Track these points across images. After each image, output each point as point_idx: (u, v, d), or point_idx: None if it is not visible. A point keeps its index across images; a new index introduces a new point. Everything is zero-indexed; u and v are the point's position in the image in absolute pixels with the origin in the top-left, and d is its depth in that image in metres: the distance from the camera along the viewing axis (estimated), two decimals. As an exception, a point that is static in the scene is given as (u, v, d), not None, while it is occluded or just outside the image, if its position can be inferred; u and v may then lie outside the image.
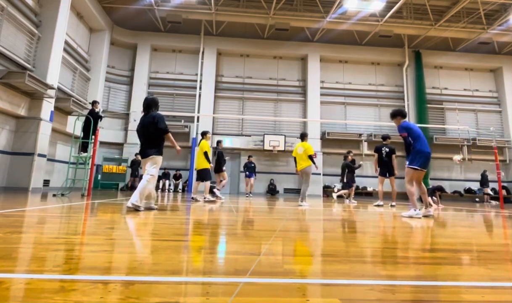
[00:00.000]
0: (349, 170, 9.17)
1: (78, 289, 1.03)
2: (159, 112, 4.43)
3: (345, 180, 9.24)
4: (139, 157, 12.88)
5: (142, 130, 4.30)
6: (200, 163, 7.09)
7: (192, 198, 6.82)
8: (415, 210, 4.49)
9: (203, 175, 7.09)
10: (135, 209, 3.90)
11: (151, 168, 4.16)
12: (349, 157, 9.43)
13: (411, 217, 4.39)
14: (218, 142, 8.74)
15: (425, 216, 4.49)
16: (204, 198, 6.84)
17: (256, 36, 15.53)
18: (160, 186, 13.12)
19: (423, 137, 4.70)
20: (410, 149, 4.68)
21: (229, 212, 4.40)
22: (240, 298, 1.00)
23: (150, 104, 4.40)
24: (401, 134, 4.77)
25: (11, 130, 8.85)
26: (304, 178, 7.01)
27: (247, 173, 11.60)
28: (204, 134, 7.39)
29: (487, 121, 15.60)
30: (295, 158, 7.13)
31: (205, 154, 7.02)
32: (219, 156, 8.00)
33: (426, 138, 4.88)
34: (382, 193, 7.92)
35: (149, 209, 4.12)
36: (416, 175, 4.66)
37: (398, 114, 4.97)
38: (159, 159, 4.25)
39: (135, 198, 3.92)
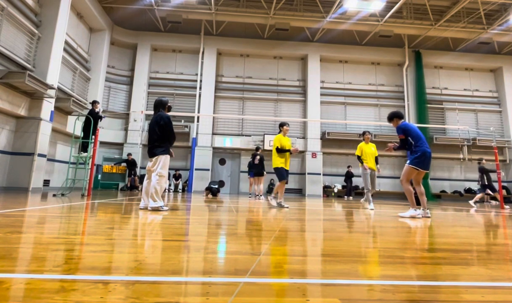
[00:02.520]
0: (485, 173, 9.34)
1: (78, 289, 1.03)
2: (165, 113, 4.44)
3: (482, 183, 9.34)
4: (130, 157, 12.83)
5: (150, 130, 4.44)
6: (272, 160, 6.20)
7: (279, 204, 5.90)
8: (415, 210, 4.47)
9: (276, 175, 6.21)
10: (157, 210, 4.04)
11: (159, 168, 4.23)
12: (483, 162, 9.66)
13: (412, 217, 4.38)
14: (258, 148, 9.87)
15: (426, 217, 4.48)
16: (279, 203, 5.92)
17: (256, 36, 15.53)
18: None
19: (423, 137, 4.72)
20: (410, 149, 4.68)
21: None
22: (240, 298, 1.00)
23: (157, 105, 4.54)
24: (399, 136, 4.77)
25: (11, 130, 8.85)
26: None
27: (249, 172, 11.18)
28: (280, 126, 6.30)
29: (487, 121, 15.60)
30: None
31: (276, 150, 6.09)
32: (261, 160, 9.38)
33: (426, 138, 4.90)
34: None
35: (157, 209, 4.10)
36: (417, 175, 4.66)
37: (394, 116, 4.99)
38: (166, 158, 4.29)
39: (151, 204, 4.08)
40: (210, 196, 9.56)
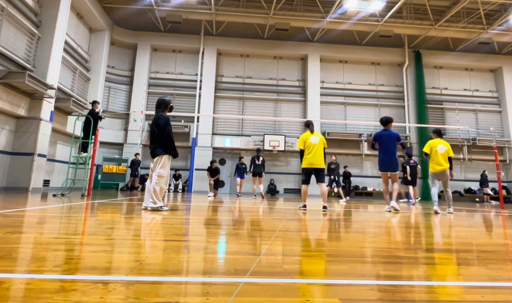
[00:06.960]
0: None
1: (78, 289, 1.03)
2: (165, 114, 4.42)
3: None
4: (138, 157, 12.89)
5: (151, 130, 4.43)
6: (322, 159, 5.44)
7: (324, 207, 5.12)
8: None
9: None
10: (157, 210, 4.04)
11: (158, 169, 4.21)
12: None
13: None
14: (259, 150, 10.16)
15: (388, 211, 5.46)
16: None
17: (256, 36, 15.53)
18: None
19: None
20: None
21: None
22: (240, 298, 1.00)
23: (159, 104, 4.51)
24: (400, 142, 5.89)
25: (11, 130, 8.85)
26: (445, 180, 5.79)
27: (236, 173, 10.92)
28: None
29: (487, 121, 15.61)
30: (428, 154, 5.86)
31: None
32: (263, 162, 9.93)
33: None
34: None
35: (156, 210, 4.10)
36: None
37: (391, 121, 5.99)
38: (166, 159, 4.26)
39: (150, 204, 4.09)
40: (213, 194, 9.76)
